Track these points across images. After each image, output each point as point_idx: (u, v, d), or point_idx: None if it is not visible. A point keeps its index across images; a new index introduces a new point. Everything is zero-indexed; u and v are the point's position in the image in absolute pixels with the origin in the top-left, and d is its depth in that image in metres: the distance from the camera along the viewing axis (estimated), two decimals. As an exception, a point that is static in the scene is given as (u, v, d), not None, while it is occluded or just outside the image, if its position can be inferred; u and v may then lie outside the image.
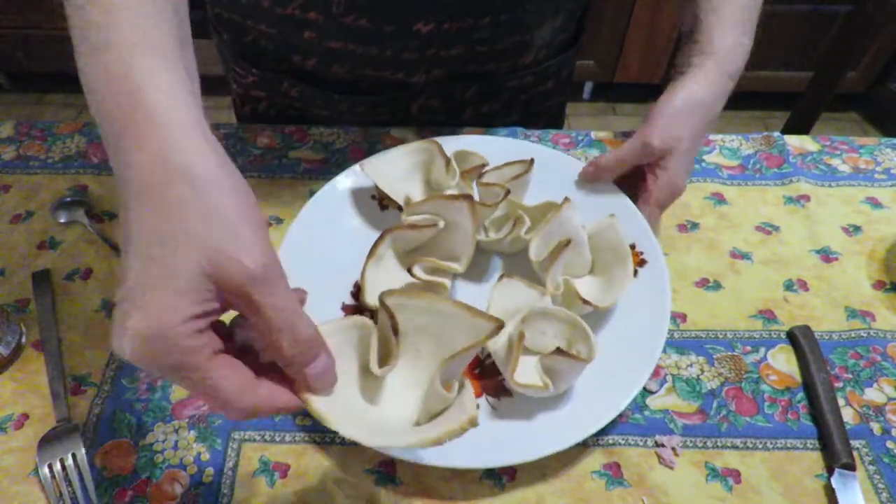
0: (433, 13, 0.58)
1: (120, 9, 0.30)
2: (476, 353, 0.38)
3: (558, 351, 0.42)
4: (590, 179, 0.57)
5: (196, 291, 0.27)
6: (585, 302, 0.47)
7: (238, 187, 0.29)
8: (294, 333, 0.29)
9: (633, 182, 0.57)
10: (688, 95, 0.53)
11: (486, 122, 0.70)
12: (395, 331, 0.35)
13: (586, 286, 0.51)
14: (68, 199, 0.61)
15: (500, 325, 0.35)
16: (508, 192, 0.52)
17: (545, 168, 0.56)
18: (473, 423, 0.33)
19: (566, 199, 0.51)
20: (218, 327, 0.31)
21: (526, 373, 0.44)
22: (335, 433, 0.45)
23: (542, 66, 0.69)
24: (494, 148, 0.60)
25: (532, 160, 0.54)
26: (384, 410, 0.36)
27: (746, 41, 0.54)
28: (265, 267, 0.28)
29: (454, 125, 0.68)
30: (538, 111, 0.74)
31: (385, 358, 0.36)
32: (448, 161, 0.55)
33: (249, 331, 0.32)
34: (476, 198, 0.54)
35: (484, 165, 0.55)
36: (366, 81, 0.65)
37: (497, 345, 0.45)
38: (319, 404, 0.32)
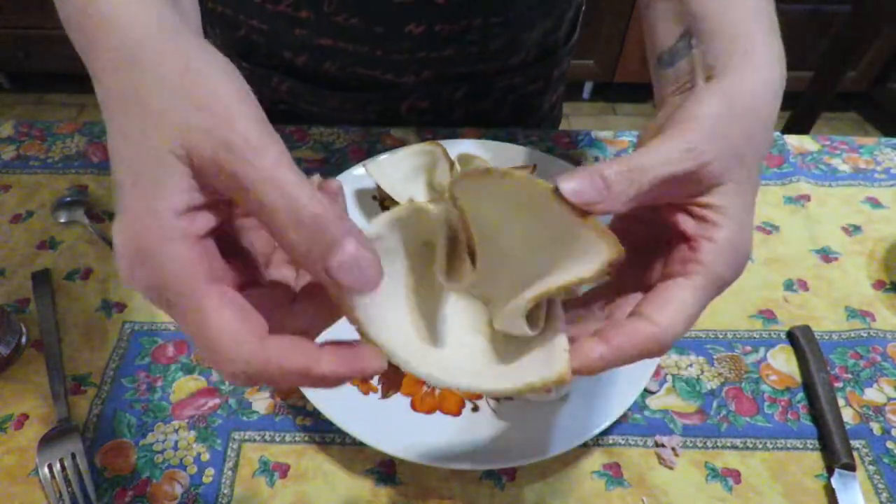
0: (425, 15, 0.58)
1: None
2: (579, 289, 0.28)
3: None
4: (590, 201, 0.26)
5: (171, 180, 0.22)
6: None
7: (203, 54, 0.24)
8: (296, 211, 0.22)
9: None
10: (734, 95, 0.29)
11: (476, 122, 0.70)
12: (466, 230, 0.26)
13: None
14: (68, 199, 0.61)
15: (622, 253, 0.24)
16: None
17: (547, 174, 0.57)
18: (562, 380, 0.25)
19: None
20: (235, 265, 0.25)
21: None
22: (335, 433, 0.45)
23: (532, 66, 0.69)
24: (496, 152, 0.60)
25: (534, 166, 0.54)
26: (442, 343, 0.28)
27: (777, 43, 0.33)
28: (245, 130, 0.22)
29: (444, 125, 0.68)
30: (528, 111, 0.74)
31: (450, 271, 0.28)
32: (452, 164, 0.55)
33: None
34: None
35: None
36: (356, 79, 0.65)
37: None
38: (375, 328, 0.23)
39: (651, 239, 0.31)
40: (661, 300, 0.27)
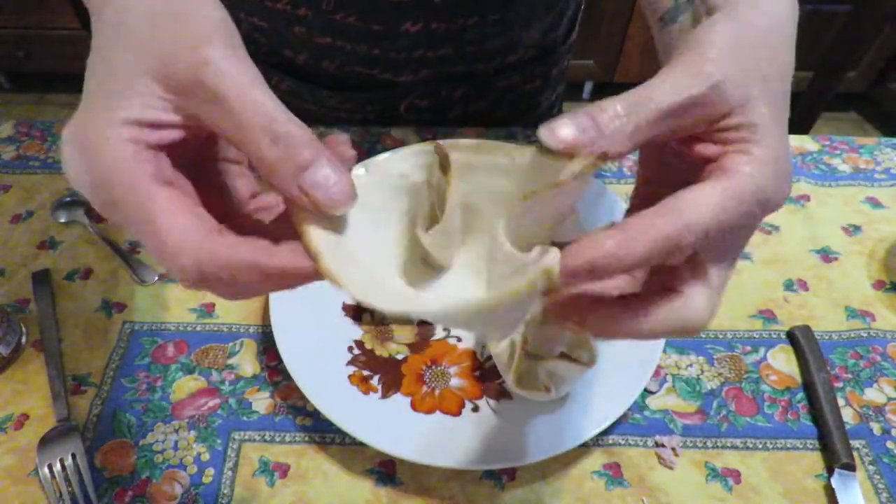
0: (422, 13, 0.58)
1: None
2: (568, 201, 0.25)
3: (562, 356, 0.42)
4: (578, 144, 0.23)
5: (136, 93, 0.22)
6: None
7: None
8: (272, 127, 0.22)
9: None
10: (745, 18, 0.26)
11: (474, 121, 0.71)
12: (445, 170, 0.25)
13: None
14: (68, 199, 0.61)
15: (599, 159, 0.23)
16: None
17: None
18: (549, 274, 0.22)
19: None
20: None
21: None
22: (335, 433, 0.45)
23: (530, 65, 0.69)
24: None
25: None
26: (432, 293, 0.27)
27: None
28: (225, 50, 0.22)
29: (443, 124, 0.69)
30: (525, 109, 0.74)
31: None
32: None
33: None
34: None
35: None
36: (355, 79, 0.65)
37: (499, 348, 0.45)
38: (321, 244, 0.22)
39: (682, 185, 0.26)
40: (686, 197, 0.23)
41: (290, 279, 0.22)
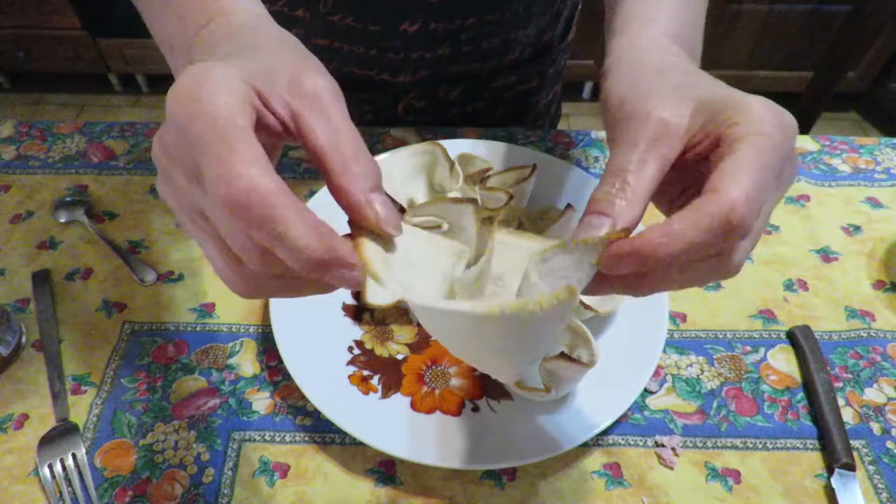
0: (419, 13, 0.58)
1: None
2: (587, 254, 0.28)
3: (562, 356, 0.42)
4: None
5: (266, 74, 0.25)
6: (587, 307, 0.47)
7: (286, 35, 0.31)
8: (360, 148, 0.26)
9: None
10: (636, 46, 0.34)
11: (472, 121, 0.71)
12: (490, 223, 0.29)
13: None
14: (68, 199, 0.61)
15: (619, 232, 0.26)
16: (512, 196, 0.52)
17: (546, 174, 0.57)
18: (571, 292, 0.24)
19: (569, 207, 0.51)
20: None
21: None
22: (335, 433, 0.45)
23: (526, 65, 0.69)
24: (496, 152, 0.60)
25: (534, 166, 0.54)
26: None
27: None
28: (338, 90, 0.27)
29: (440, 124, 0.69)
30: (523, 109, 0.75)
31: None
32: (452, 164, 0.55)
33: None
34: (479, 202, 0.54)
35: (488, 170, 0.55)
36: (352, 80, 0.65)
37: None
38: (371, 253, 0.25)
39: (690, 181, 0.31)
40: (717, 176, 0.25)
41: (296, 255, 0.22)
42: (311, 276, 0.23)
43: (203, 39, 0.30)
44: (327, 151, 0.25)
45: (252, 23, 0.30)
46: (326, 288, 0.26)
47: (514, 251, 0.30)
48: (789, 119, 0.27)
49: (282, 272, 0.24)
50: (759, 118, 0.26)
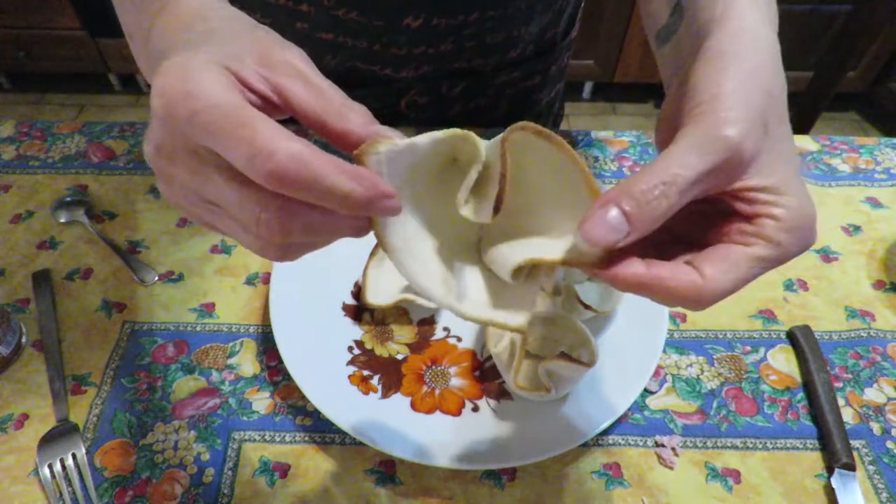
0: (423, 8, 0.58)
1: None
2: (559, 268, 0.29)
3: (562, 356, 0.42)
4: (613, 242, 0.25)
5: (234, 57, 0.26)
6: (587, 307, 0.47)
7: (236, 14, 0.31)
8: (345, 101, 0.27)
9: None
10: (732, 55, 0.28)
11: (474, 118, 0.71)
12: (503, 181, 0.27)
13: (587, 291, 0.52)
14: (68, 199, 0.61)
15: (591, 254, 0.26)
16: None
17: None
18: (521, 329, 0.27)
19: None
20: None
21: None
22: (335, 433, 0.45)
23: (529, 61, 0.69)
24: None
25: None
26: (464, 278, 0.30)
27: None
28: (306, 57, 0.28)
29: (443, 120, 0.69)
30: (525, 106, 0.75)
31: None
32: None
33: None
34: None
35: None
36: (356, 75, 0.66)
37: (499, 348, 0.45)
38: (389, 234, 0.26)
39: (701, 212, 0.29)
40: (714, 257, 0.26)
41: (337, 199, 0.23)
42: (361, 213, 0.25)
43: (158, 29, 0.30)
44: (318, 107, 0.26)
45: (202, 7, 0.30)
46: (358, 230, 0.26)
47: (532, 157, 0.28)
48: (811, 230, 0.27)
49: (304, 227, 0.25)
50: (787, 225, 0.26)
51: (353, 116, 0.26)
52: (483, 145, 0.28)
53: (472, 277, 0.30)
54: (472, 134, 0.27)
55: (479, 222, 0.28)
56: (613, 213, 0.24)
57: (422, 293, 0.27)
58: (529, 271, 0.28)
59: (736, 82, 0.26)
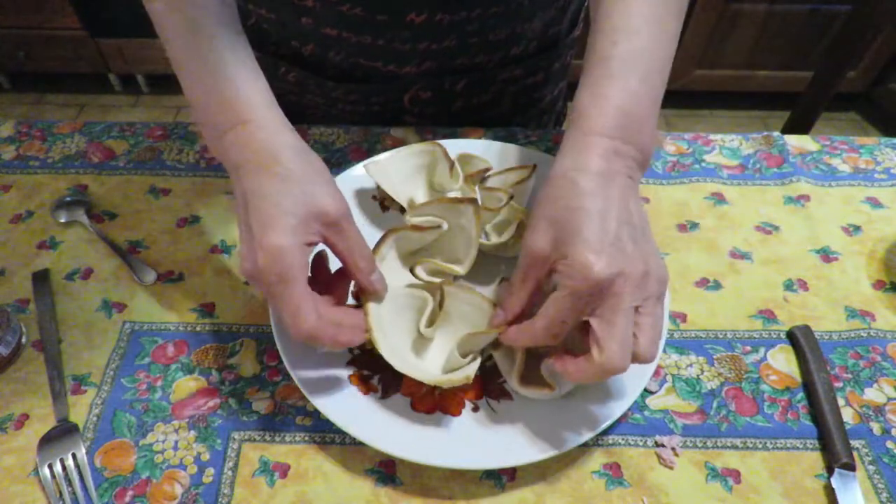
0: (425, 4, 0.59)
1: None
2: (488, 339, 0.45)
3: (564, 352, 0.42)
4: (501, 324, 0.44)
5: (304, 225, 0.40)
6: None
7: (312, 157, 0.43)
8: (365, 252, 0.43)
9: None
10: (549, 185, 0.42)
11: (477, 114, 0.71)
12: (440, 306, 0.46)
13: None
14: (68, 199, 0.61)
15: (500, 325, 0.43)
16: (512, 196, 0.52)
17: (547, 174, 0.56)
18: (468, 380, 0.42)
19: (535, 167, 0.52)
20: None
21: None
22: (335, 433, 0.45)
23: (532, 58, 0.69)
24: (496, 152, 0.60)
25: (534, 166, 0.54)
26: (424, 362, 0.47)
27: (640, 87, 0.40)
28: (346, 207, 0.43)
29: (445, 116, 0.69)
30: (528, 103, 0.75)
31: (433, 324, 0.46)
32: (452, 164, 0.55)
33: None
34: (479, 202, 0.54)
35: (487, 170, 0.55)
36: (360, 70, 0.66)
37: (499, 348, 0.45)
38: (373, 320, 0.43)
39: None
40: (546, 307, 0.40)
41: (346, 344, 0.42)
42: (349, 343, 0.43)
43: (231, 140, 0.42)
44: (347, 259, 0.43)
45: (270, 142, 0.42)
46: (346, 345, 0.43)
47: (459, 301, 0.47)
48: (598, 270, 0.36)
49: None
50: (575, 272, 0.37)
51: (364, 270, 0.43)
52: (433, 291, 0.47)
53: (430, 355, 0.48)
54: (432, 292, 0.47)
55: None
56: (499, 314, 0.44)
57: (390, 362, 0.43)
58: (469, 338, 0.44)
59: (544, 206, 0.41)
